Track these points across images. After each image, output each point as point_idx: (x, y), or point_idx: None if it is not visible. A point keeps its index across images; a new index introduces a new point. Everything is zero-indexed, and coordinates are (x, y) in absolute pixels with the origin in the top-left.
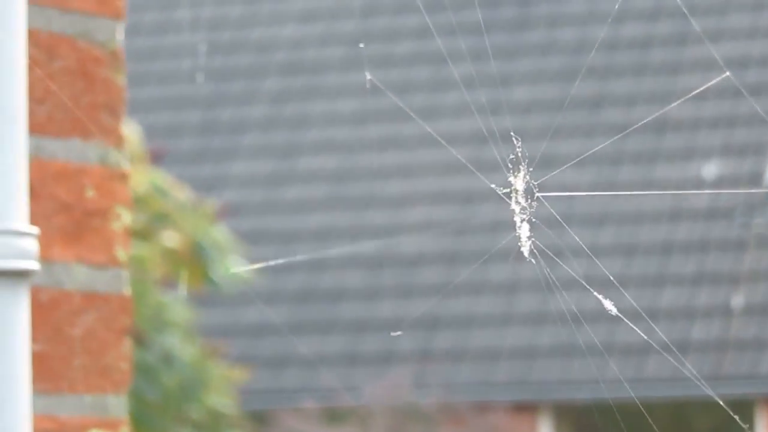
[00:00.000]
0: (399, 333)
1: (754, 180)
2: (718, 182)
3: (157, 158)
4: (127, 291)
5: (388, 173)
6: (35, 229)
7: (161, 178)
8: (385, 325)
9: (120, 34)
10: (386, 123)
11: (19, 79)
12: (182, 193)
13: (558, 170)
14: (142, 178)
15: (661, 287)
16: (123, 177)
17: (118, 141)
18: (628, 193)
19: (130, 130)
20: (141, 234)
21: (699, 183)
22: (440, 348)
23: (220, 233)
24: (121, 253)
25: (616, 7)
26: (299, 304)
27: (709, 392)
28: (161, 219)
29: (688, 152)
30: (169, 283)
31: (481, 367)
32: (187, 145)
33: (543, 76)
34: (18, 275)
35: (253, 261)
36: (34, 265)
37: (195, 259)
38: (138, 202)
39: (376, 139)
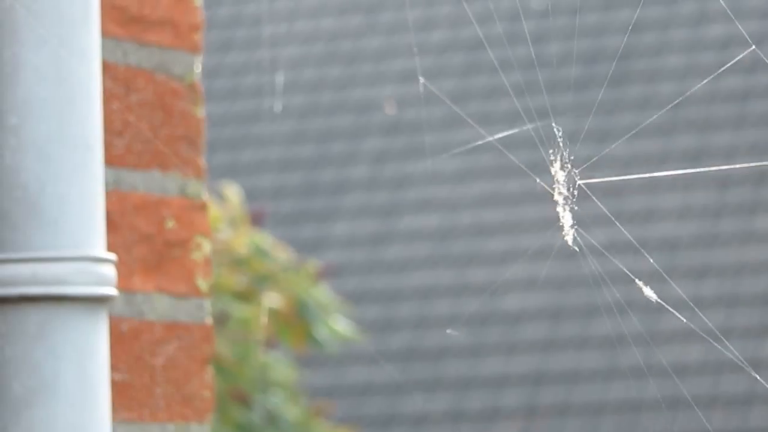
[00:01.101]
0: (454, 332)
1: None
2: None
3: (258, 220)
4: (208, 320)
5: (490, 230)
6: (113, 256)
7: (263, 239)
8: (489, 381)
9: (197, 67)
10: (487, 180)
11: (94, 108)
12: (284, 254)
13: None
14: (244, 239)
15: (763, 337)
16: (202, 208)
17: (197, 172)
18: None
19: (232, 193)
20: (244, 295)
21: None
22: (545, 404)
23: (322, 293)
24: (202, 283)
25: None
26: (404, 363)
27: None
28: (264, 280)
29: None
30: (273, 343)
31: (587, 422)
32: (289, 207)
33: (642, 132)
34: (97, 301)
35: (356, 321)
36: (112, 291)
37: (298, 320)
38: (240, 264)
39: (477, 196)
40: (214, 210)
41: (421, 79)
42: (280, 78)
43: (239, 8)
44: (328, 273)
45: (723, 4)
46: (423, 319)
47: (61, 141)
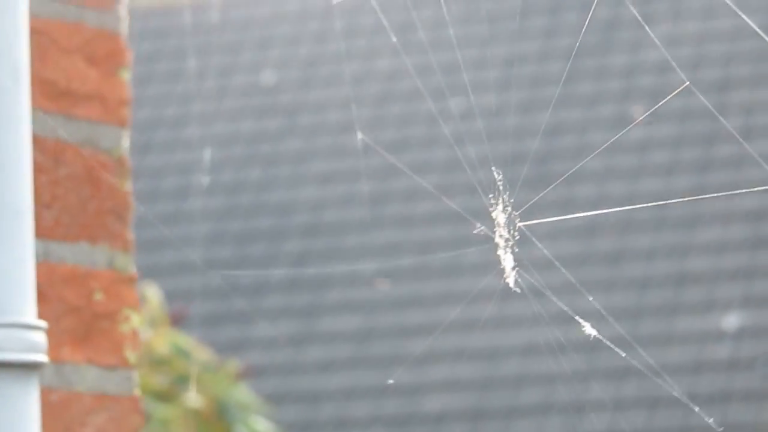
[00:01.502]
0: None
1: None
2: (740, 334)
3: (178, 321)
4: (137, 392)
5: (411, 331)
6: (44, 323)
7: (183, 340)
8: None
9: (126, 142)
10: (407, 282)
11: (24, 176)
12: (204, 355)
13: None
14: (164, 340)
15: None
16: (130, 281)
17: (125, 245)
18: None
19: (151, 293)
20: (164, 395)
21: (720, 335)
22: None
23: (243, 394)
24: (130, 355)
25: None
26: None
27: None
28: (184, 380)
29: (708, 304)
30: None
31: None
32: (209, 308)
33: (563, 234)
34: (28, 368)
35: (277, 422)
36: (43, 357)
37: (219, 420)
38: (160, 364)
39: (398, 298)
40: None
41: (359, 134)
42: (202, 180)
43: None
44: (249, 374)
45: (658, 43)
46: (344, 420)
47: None
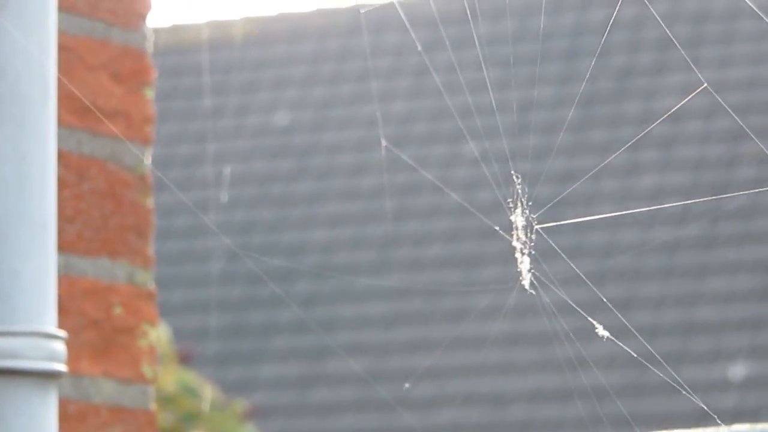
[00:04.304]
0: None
1: None
2: (746, 383)
3: (185, 359)
4: (152, 406)
5: (417, 375)
6: (64, 333)
7: (190, 378)
8: None
9: (148, 159)
10: (416, 326)
11: (49, 189)
12: (212, 393)
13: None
14: (171, 378)
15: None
16: (149, 296)
17: (145, 262)
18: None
19: (160, 331)
20: None
21: (726, 384)
22: None
23: None
24: (147, 370)
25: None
26: None
27: None
28: (191, 418)
29: (714, 354)
30: None
31: None
32: (217, 347)
33: (572, 281)
34: (48, 376)
35: None
36: (62, 367)
37: None
38: (167, 402)
39: (405, 342)
40: None
41: (383, 142)
42: (214, 218)
43: None
44: (255, 414)
45: (682, 53)
46: None
47: (18, 218)
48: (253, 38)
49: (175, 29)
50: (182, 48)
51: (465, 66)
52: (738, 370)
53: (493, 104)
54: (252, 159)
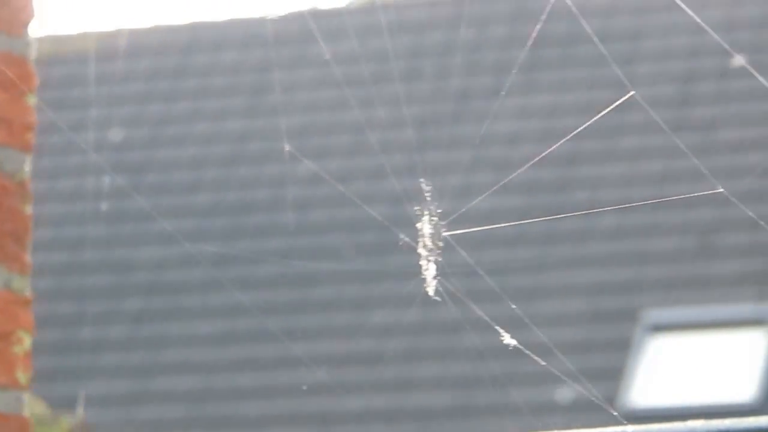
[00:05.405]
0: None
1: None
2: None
3: None
4: (26, 412)
5: (245, 394)
6: None
7: None
8: None
9: (28, 166)
10: (245, 344)
11: None
12: (39, 409)
13: None
14: None
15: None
16: (26, 303)
17: (23, 268)
18: None
19: None
20: None
21: (553, 407)
22: None
23: None
24: (22, 376)
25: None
26: None
27: None
28: None
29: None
30: None
31: None
32: (45, 363)
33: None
34: None
35: None
36: None
37: None
38: None
39: (234, 361)
40: None
41: (287, 146)
42: (45, 233)
43: None
44: (83, 430)
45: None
46: None
47: None
48: (91, 54)
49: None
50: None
51: (302, 85)
52: (565, 393)
53: (359, 121)
54: (85, 174)
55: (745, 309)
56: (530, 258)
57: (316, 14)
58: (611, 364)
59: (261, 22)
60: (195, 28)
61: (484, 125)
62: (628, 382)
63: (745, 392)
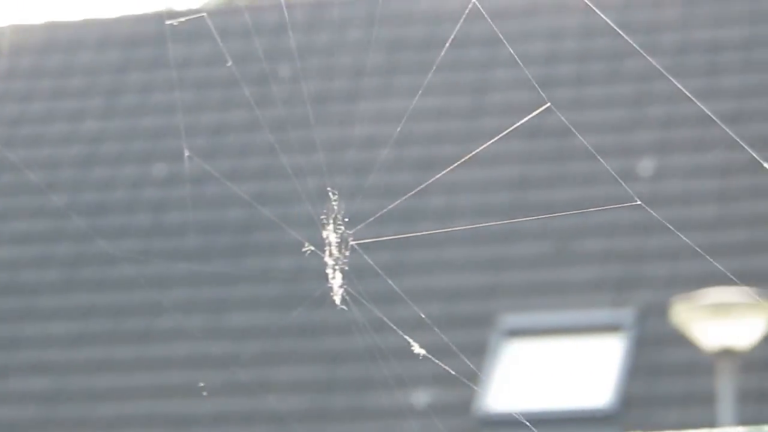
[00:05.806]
0: None
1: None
2: (428, 410)
3: None
4: None
5: (100, 395)
6: None
7: None
8: None
9: None
10: (101, 346)
11: None
12: None
13: None
14: None
15: None
16: None
17: None
18: None
19: None
20: None
21: (409, 410)
22: None
23: None
24: None
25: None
26: None
27: None
28: None
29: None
30: None
31: None
32: None
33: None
34: None
35: None
36: None
37: None
38: None
39: (89, 362)
40: None
41: (186, 152)
42: None
43: None
44: None
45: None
46: None
47: None
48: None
49: None
50: None
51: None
52: (421, 397)
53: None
54: None
55: (602, 314)
56: (386, 262)
57: (172, 15)
58: (467, 369)
59: (117, 22)
60: (51, 28)
61: (342, 129)
62: (485, 386)
63: (601, 397)
